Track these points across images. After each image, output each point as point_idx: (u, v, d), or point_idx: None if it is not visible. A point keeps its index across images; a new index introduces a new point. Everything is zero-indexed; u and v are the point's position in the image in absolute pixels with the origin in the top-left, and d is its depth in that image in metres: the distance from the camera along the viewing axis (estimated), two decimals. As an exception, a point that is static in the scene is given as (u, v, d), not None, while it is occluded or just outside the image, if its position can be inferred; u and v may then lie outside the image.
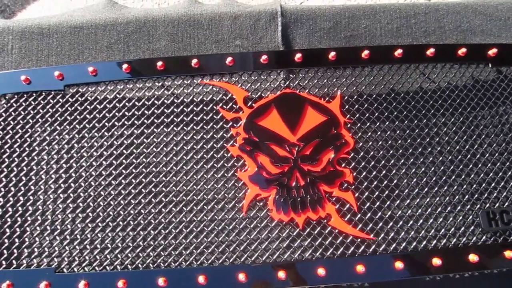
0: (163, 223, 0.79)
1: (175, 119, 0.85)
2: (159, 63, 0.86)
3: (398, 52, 0.86)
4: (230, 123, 0.84)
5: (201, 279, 0.75)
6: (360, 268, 0.75)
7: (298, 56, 0.86)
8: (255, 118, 0.84)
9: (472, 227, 0.79)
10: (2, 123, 0.86)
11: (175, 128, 0.84)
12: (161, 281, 0.75)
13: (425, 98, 0.86)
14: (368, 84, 0.86)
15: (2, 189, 0.82)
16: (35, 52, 0.91)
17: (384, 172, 0.82)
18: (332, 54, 0.86)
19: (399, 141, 0.83)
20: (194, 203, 0.80)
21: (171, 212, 0.80)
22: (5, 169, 0.83)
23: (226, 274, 0.76)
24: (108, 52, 0.91)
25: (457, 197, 0.80)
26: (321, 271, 0.75)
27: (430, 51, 0.86)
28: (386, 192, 0.80)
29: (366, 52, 0.86)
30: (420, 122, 0.84)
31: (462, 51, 0.86)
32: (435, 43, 0.88)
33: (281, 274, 0.75)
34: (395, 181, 0.81)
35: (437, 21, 0.92)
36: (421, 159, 0.83)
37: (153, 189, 0.81)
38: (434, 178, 0.81)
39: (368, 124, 0.84)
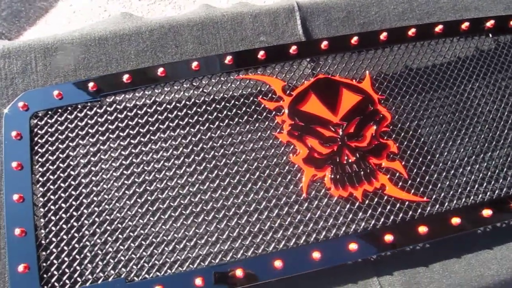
0: (228, 216, 0.77)
1: (219, 115, 0.83)
2: (194, 64, 0.85)
3: (412, 31, 0.91)
4: (274, 113, 0.84)
5: (278, 263, 0.73)
6: (422, 229, 0.77)
7: (324, 43, 0.88)
8: (296, 104, 0.84)
9: None
10: (40, 141, 0.80)
11: (220, 124, 0.83)
12: (239, 271, 0.72)
13: (443, 70, 0.91)
14: (390, 63, 0.89)
15: (52, 207, 0.76)
16: (61, 68, 0.86)
17: (422, 139, 0.85)
18: (355, 39, 0.89)
19: (429, 110, 0.87)
20: (255, 192, 0.79)
21: (236, 206, 0.78)
22: (51, 186, 0.77)
23: (302, 254, 0.75)
24: (136, 61, 0.88)
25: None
26: (389, 238, 0.76)
27: (439, 28, 0.91)
28: (429, 157, 0.83)
29: (384, 34, 0.90)
30: (442, 92, 0.89)
31: (465, 25, 0.92)
32: (443, 21, 0.93)
33: (353, 246, 0.75)
34: (434, 146, 0.84)
35: (436, 2, 0.98)
36: (450, 125, 0.87)
37: (211, 185, 0.79)
38: (460, 135, 0.85)
39: (398, 98, 0.87)
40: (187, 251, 0.75)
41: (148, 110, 0.83)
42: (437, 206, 0.80)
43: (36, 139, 0.81)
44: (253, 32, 0.92)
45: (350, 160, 0.81)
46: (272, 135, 0.83)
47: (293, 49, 0.87)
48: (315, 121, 0.83)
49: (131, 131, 0.81)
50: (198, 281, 0.72)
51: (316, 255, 0.74)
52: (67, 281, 0.73)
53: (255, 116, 0.84)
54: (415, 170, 0.82)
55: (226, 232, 0.76)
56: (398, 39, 0.91)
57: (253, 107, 0.84)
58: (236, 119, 0.83)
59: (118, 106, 0.83)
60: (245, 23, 0.92)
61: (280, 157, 0.81)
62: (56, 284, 0.72)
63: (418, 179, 0.82)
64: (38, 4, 1.25)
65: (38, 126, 0.81)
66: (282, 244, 0.76)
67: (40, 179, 0.78)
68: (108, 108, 0.83)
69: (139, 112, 0.83)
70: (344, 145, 0.82)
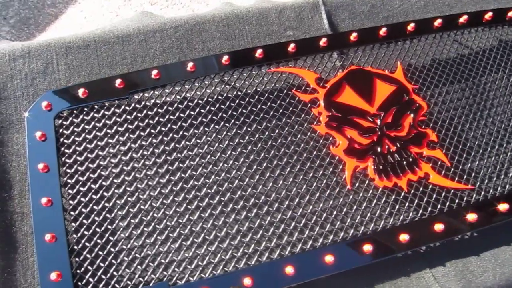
0: (271, 211, 0.72)
1: (253, 109, 0.79)
2: (224, 58, 0.81)
3: (438, 22, 0.89)
4: (309, 105, 0.80)
5: (328, 258, 0.68)
6: (471, 217, 0.73)
7: (354, 35, 0.85)
8: (331, 96, 0.81)
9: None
10: (66, 141, 0.74)
11: (255, 118, 0.78)
12: (289, 268, 0.67)
13: (471, 59, 0.89)
14: (420, 53, 0.87)
15: (84, 210, 0.70)
16: (85, 66, 0.81)
17: (460, 127, 0.82)
18: (383, 30, 0.87)
19: (463, 99, 0.85)
20: (297, 186, 0.74)
21: (279, 201, 0.73)
22: (81, 188, 0.71)
23: (352, 248, 0.70)
24: (162, 57, 0.83)
25: None
26: (439, 227, 0.72)
27: (464, 18, 0.90)
28: (468, 144, 0.81)
29: (412, 25, 0.88)
30: (473, 80, 0.87)
31: (488, 15, 0.91)
32: (467, 11, 0.92)
33: (404, 237, 0.70)
34: (472, 133, 0.82)
35: (456, -5, 0.97)
36: (486, 111, 0.84)
37: (250, 180, 0.74)
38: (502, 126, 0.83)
39: (432, 87, 0.84)
40: (232, 250, 0.69)
41: (180, 106, 0.78)
42: (483, 193, 0.77)
43: (61, 139, 0.75)
44: (279, 27, 0.89)
45: (391, 150, 0.77)
46: (310, 127, 0.79)
47: (323, 41, 0.84)
48: (352, 112, 0.80)
49: (162, 128, 0.76)
50: (247, 280, 0.66)
51: (366, 248, 0.69)
52: (104, 288, 0.66)
53: (290, 109, 0.80)
54: (456, 158, 0.79)
55: (271, 228, 0.71)
56: (425, 30, 0.89)
57: (287, 100, 0.80)
58: (272, 113, 0.79)
59: (147, 103, 0.78)
60: (271, 18, 0.89)
61: (320, 149, 0.77)
62: (92, 292, 0.65)
63: (460, 167, 0.78)
64: (48, 10, 1.19)
65: (64, 126, 0.75)
66: (331, 239, 0.71)
67: (69, 181, 0.72)
68: (137, 105, 0.78)
69: (169, 108, 0.78)
70: (384, 135, 0.78)
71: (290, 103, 0.80)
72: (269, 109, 0.79)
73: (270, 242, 0.70)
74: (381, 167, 0.76)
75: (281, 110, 0.79)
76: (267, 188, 0.74)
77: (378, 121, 0.79)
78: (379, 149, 0.77)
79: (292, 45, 0.83)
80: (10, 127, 0.76)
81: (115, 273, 0.67)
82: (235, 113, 0.78)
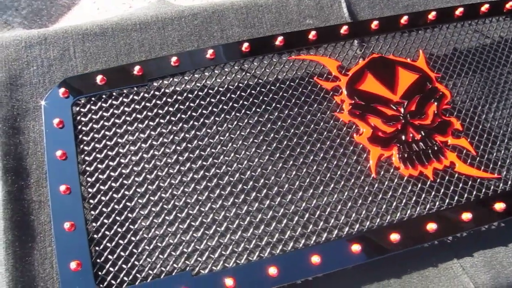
0: (295, 199, 0.70)
1: (274, 96, 0.77)
2: (245, 45, 0.79)
3: (460, 11, 0.87)
4: (331, 93, 0.78)
5: (355, 247, 0.65)
6: (499, 206, 0.71)
7: (375, 23, 0.84)
8: (354, 84, 0.79)
9: None
10: (84, 128, 0.72)
11: (277, 106, 0.76)
12: (315, 258, 0.64)
13: (493, 48, 0.87)
14: (442, 42, 0.85)
15: (103, 198, 0.67)
16: (102, 54, 0.79)
17: (484, 116, 0.80)
18: (404, 18, 0.85)
19: (486, 88, 0.83)
20: (321, 174, 0.72)
21: (303, 189, 0.71)
22: (100, 176, 0.69)
23: (378, 237, 0.68)
24: (181, 45, 0.81)
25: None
26: (467, 216, 0.70)
27: (485, 7, 0.88)
28: (493, 133, 0.78)
29: (433, 14, 0.86)
30: (496, 69, 0.85)
31: (510, 4, 0.89)
32: (488, 0, 0.90)
33: (432, 226, 0.68)
34: (496, 122, 0.80)
35: (476, -16, 0.95)
36: (510, 100, 0.82)
37: (273, 168, 0.72)
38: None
39: (454, 76, 0.82)
40: (255, 239, 0.67)
41: (199, 93, 0.76)
42: (510, 182, 0.75)
43: (79, 127, 0.72)
44: (298, 15, 0.87)
45: (416, 138, 0.75)
46: (332, 115, 0.76)
47: (344, 29, 0.82)
48: (375, 100, 0.78)
49: (182, 116, 0.74)
50: (272, 269, 0.63)
51: (393, 237, 0.67)
52: (125, 278, 0.63)
53: (312, 96, 0.77)
54: (481, 147, 0.77)
55: (295, 217, 0.69)
56: (447, 19, 0.87)
57: (309, 87, 0.78)
58: (293, 100, 0.77)
59: (166, 91, 0.76)
60: (290, 6, 0.87)
61: (343, 137, 0.75)
62: (113, 281, 0.63)
63: (486, 156, 0.76)
64: (60, 1, 1.17)
65: (81, 113, 0.73)
66: (356, 228, 0.69)
67: (87, 168, 0.69)
68: (156, 93, 0.75)
69: (189, 96, 0.75)
70: (408, 123, 0.76)
71: (312, 91, 0.78)
72: (290, 97, 0.77)
73: (294, 232, 0.68)
74: (406, 155, 0.74)
75: (302, 98, 0.77)
76: (290, 176, 0.71)
77: (402, 109, 0.77)
78: (403, 138, 0.75)
79: (313, 33, 0.81)
80: (27, 115, 0.74)
81: (136, 262, 0.65)
82: (256, 101, 0.76)
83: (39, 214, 0.68)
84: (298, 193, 0.70)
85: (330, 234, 0.68)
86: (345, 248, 0.66)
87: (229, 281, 0.62)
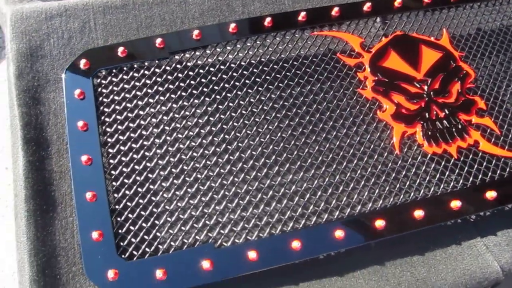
0: (318, 175, 0.68)
1: (297, 72, 0.75)
2: (267, 20, 0.77)
3: (483, -10, 0.85)
4: (354, 69, 0.76)
5: (379, 222, 0.64)
6: (524, 185, 0.69)
7: (398, 1, 0.82)
8: (377, 61, 0.77)
9: None
10: (105, 100, 0.71)
11: (300, 81, 0.75)
12: (339, 232, 0.63)
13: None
14: (465, 21, 0.84)
15: (124, 169, 0.66)
16: (123, 27, 0.77)
17: (508, 95, 0.78)
18: (428, -4, 0.83)
19: (510, 68, 0.81)
20: (344, 150, 0.70)
21: (326, 164, 0.69)
22: (122, 147, 0.68)
23: (403, 213, 0.67)
24: (202, 19, 0.80)
25: None
26: (491, 194, 0.68)
27: (509, -13, 0.86)
28: (518, 113, 0.77)
29: (457, -8, 0.84)
30: (520, 50, 0.83)
31: (534, -15, 0.88)
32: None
33: (456, 204, 0.67)
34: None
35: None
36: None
37: (296, 143, 0.70)
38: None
39: (478, 55, 0.81)
40: (278, 212, 0.66)
41: (221, 67, 0.75)
42: (535, 162, 0.73)
43: (100, 98, 0.71)
44: (321, -8, 0.85)
45: (439, 116, 0.74)
46: (356, 92, 0.75)
47: (367, 6, 0.81)
48: (399, 77, 0.76)
49: (204, 89, 0.73)
50: (296, 243, 0.62)
51: (417, 214, 0.66)
52: (147, 249, 0.62)
53: (335, 72, 0.76)
54: (506, 126, 0.75)
55: (318, 191, 0.67)
56: (470, -1, 0.85)
57: (331, 64, 0.77)
58: (316, 76, 0.75)
59: (188, 64, 0.74)
60: (312, -18, 0.85)
61: (366, 114, 0.73)
62: (134, 252, 0.62)
63: (510, 135, 0.75)
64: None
65: (102, 85, 0.72)
66: (380, 204, 0.67)
67: (109, 140, 0.68)
68: (178, 66, 0.74)
69: (211, 69, 0.74)
70: (432, 101, 0.75)
71: (335, 67, 0.76)
72: (313, 73, 0.76)
73: (317, 206, 0.67)
74: (429, 133, 0.72)
75: (325, 74, 0.76)
76: (313, 152, 0.70)
77: (426, 87, 0.76)
78: (427, 115, 0.74)
79: (336, 9, 0.80)
80: (47, 86, 0.73)
81: (158, 234, 0.64)
82: (278, 76, 0.75)
83: (60, 185, 0.67)
84: (321, 168, 0.69)
85: (353, 209, 0.67)
86: (368, 224, 0.65)
87: (252, 254, 0.61)
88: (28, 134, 0.68)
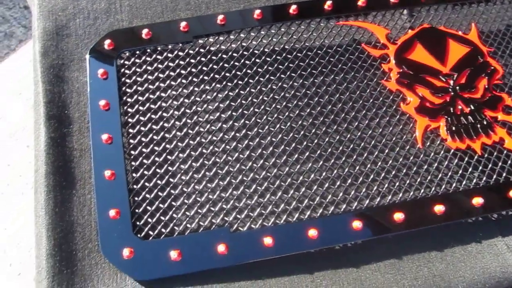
0: (338, 164, 0.67)
1: (320, 61, 0.74)
2: (293, 8, 0.76)
3: (515, -14, 0.83)
4: (379, 60, 0.75)
5: (398, 215, 0.63)
6: (549, 185, 0.67)
7: (427, -7, 0.80)
8: (403, 53, 0.76)
9: None
10: (128, 81, 0.71)
11: (323, 70, 0.74)
12: (356, 223, 0.62)
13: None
14: (495, 17, 0.82)
15: (144, 149, 0.66)
16: (148, 9, 0.77)
17: (537, 94, 0.76)
18: (458, -10, 0.81)
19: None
20: (365, 141, 0.69)
21: (346, 154, 0.68)
22: (142, 128, 0.68)
23: (423, 208, 0.65)
24: (227, 5, 0.79)
25: None
26: (515, 192, 0.66)
27: (542, -16, 0.84)
28: (546, 112, 0.74)
29: (488, -13, 0.82)
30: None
31: None
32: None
33: (478, 201, 0.65)
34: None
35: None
36: None
37: (317, 132, 0.69)
38: None
39: (507, 51, 0.79)
40: (296, 200, 0.65)
41: (245, 53, 0.74)
42: (562, 162, 0.71)
43: (123, 79, 0.71)
44: (347, -18, 0.84)
45: (464, 112, 0.72)
46: (379, 83, 0.74)
47: (394, -3, 0.79)
48: (424, 70, 0.75)
49: (227, 74, 0.72)
50: (312, 232, 0.62)
51: (437, 208, 0.64)
52: (162, 230, 0.62)
53: (359, 63, 0.75)
54: (533, 125, 0.73)
55: (337, 180, 0.66)
56: (501, -6, 0.83)
57: (356, 54, 0.75)
58: (339, 66, 0.74)
59: (211, 48, 0.74)
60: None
61: (390, 106, 0.72)
62: (150, 232, 0.62)
63: (537, 135, 0.72)
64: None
65: (126, 66, 0.72)
66: (400, 196, 0.66)
67: (130, 120, 0.69)
68: (201, 50, 0.74)
69: (234, 55, 0.74)
70: (457, 96, 0.73)
71: (359, 58, 0.75)
72: (336, 62, 0.74)
73: (335, 196, 0.66)
74: (454, 128, 0.71)
75: (349, 64, 0.74)
76: (333, 141, 0.69)
77: (451, 82, 0.74)
78: (452, 110, 0.72)
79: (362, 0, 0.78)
80: (71, 65, 0.73)
81: (174, 215, 0.63)
82: (301, 64, 0.74)
83: (80, 162, 0.67)
84: (341, 158, 0.68)
85: (372, 201, 0.66)
86: (387, 216, 0.64)
87: (268, 240, 0.61)
88: (51, 111, 0.69)
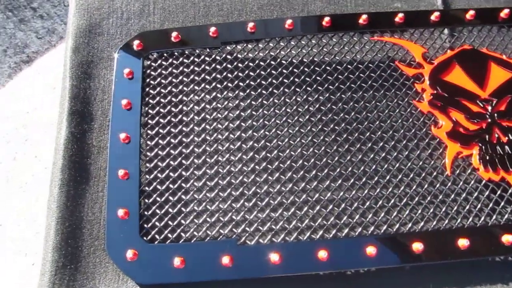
0: (357, 185, 0.64)
1: (350, 76, 0.71)
2: (326, 20, 0.74)
3: None
4: (412, 79, 0.71)
5: (417, 245, 0.59)
6: None
7: (470, 13, 0.76)
8: (438, 74, 0.72)
9: None
10: (152, 82, 0.70)
11: (351, 86, 0.71)
12: (371, 249, 0.58)
13: None
14: (545, 43, 0.76)
15: (160, 152, 0.65)
16: (180, 13, 0.77)
17: None
18: (505, 12, 0.76)
19: None
20: (389, 163, 0.65)
21: (367, 175, 0.65)
22: (161, 130, 0.67)
23: (445, 240, 0.60)
24: (260, 13, 0.78)
25: None
26: (551, 233, 0.60)
27: None
28: None
29: (539, 10, 0.76)
30: None
31: None
32: None
33: (509, 238, 0.60)
34: None
35: None
36: None
37: (339, 149, 0.66)
38: None
39: (556, 81, 0.72)
40: (309, 218, 0.62)
41: (272, 62, 0.72)
42: None
43: (148, 80, 0.71)
44: (387, -3, 0.81)
45: (501, 141, 0.67)
46: (410, 103, 0.70)
47: (435, 15, 0.75)
48: (460, 93, 0.70)
49: (251, 83, 0.71)
50: (323, 253, 0.58)
51: (461, 243, 0.59)
52: (169, 235, 0.61)
53: (390, 81, 0.71)
54: None
55: (355, 203, 0.63)
56: (554, 18, 0.77)
57: (388, 71, 0.72)
58: (369, 82, 0.71)
59: (239, 56, 0.73)
60: (379, -12, 0.81)
61: (419, 128, 0.68)
62: (156, 236, 0.61)
63: None
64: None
65: (152, 67, 0.72)
66: (421, 225, 0.62)
67: (149, 121, 0.68)
68: (228, 57, 0.73)
69: (261, 63, 0.72)
70: (495, 123, 0.68)
71: (391, 75, 0.72)
72: (367, 78, 0.71)
73: (351, 218, 0.62)
74: (488, 157, 0.66)
75: (379, 81, 0.71)
76: (356, 160, 0.66)
77: (489, 108, 0.69)
78: (487, 138, 0.67)
79: (400, 15, 0.75)
80: (100, 63, 0.74)
81: (182, 221, 0.62)
82: (329, 78, 0.71)
83: (97, 159, 0.67)
84: (362, 179, 0.64)
85: (390, 227, 0.62)
86: (405, 245, 0.60)
87: (275, 256, 0.58)
88: (74, 107, 0.70)
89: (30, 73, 1.10)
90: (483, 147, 0.66)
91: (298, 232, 0.61)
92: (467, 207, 0.63)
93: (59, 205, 0.63)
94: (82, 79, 0.72)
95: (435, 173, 0.65)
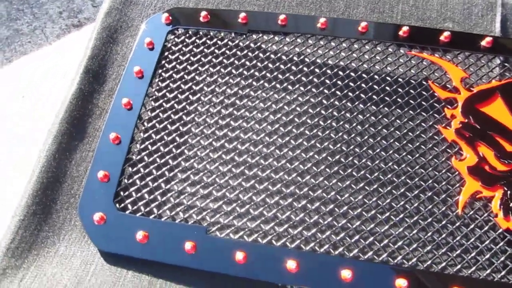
0: (353, 217, 0.57)
1: (375, 87, 0.65)
2: (362, 25, 0.69)
3: None
4: (443, 103, 0.64)
5: (401, 282, 0.51)
6: None
7: (530, 46, 0.67)
8: (475, 102, 0.64)
9: None
10: (170, 56, 0.69)
11: (373, 97, 0.64)
12: (346, 272, 0.52)
13: None
14: None
15: (158, 125, 0.63)
16: (217, -3, 0.76)
17: None
18: None
19: None
20: (395, 187, 0.58)
21: (364, 196, 0.58)
22: (164, 104, 0.65)
23: (433, 284, 0.52)
24: (297, 9, 0.75)
25: None
26: None
27: None
28: None
29: None
30: None
31: None
32: None
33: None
34: None
35: None
36: None
37: (349, 160, 0.60)
38: None
39: None
40: (287, 226, 0.57)
41: (295, 58, 0.68)
42: None
43: (167, 53, 0.70)
44: (438, 14, 0.74)
45: (533, 189, 0.57)
46: (435, 128, 0.62)
47: (486, 41, 0.67)
48: (495, 127, 0.62)
49: (268, 74, 0.67)
50: (291, 263, 0.53)
51: (455, 292, 0.51)
52: (141, 208, 0.58)
53: (418, 100, 0.64)
54: None
55: (344, 231, 0.57)
56: None
57: (418, 89, 0.65)
58: (395, 98, 0.64)
59: (263, 46, 0.70)
60: (432, 3, 0.75)
61: (438, 156, 0.60)
62: (129, 206, 0.58)
63: None
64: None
65: (174, 42, 0.71)
66: (412, 262, 0.54)
67: (156, 93, 0.67)
68: (252, 45, 0.70)
69: (283, 57, 0.68)
70: (529, 168, 0.59)
71: (420, 94, 0.65)
72: (392, 93, 0.65)
73: (336, 237, 0.56)
74: (511, 204, 0.56)
75: (406, 98, 0.64)
76: (358, 174, 0.59)
77: (527, 150, 0.60)
78: (516, 183, 0.58)
79: (446, 34, 0.68)
80: (127, 30, 0.74)
81: (159, 197, 0.59)
82: (352, 85, 0.66)
83: (97, 120, 0.67)
84: (359, 194, 0.58)
85: (378, 256, 0.55)
86: (389, 281, 0.52)
87: (239, 255, 0.53)
88: (91, 66, 0.70)
89: (77, 37, 1.13)
90: (509, 192, 0.57)
91: (275, 236, 0.56)
92: (473, 255, 0.54)
93: (48, 154, 0.62)
94: (106, 42, 0.72)
95: (442, 207, 0.57)
